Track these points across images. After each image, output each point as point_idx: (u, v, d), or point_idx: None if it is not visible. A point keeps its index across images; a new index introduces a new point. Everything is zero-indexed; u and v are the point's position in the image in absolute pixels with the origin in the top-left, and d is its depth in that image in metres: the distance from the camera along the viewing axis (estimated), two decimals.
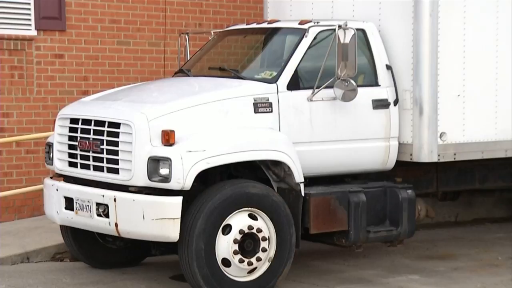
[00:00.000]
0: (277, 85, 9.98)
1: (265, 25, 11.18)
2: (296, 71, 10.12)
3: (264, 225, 9.52)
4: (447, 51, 10.61)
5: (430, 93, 10.53)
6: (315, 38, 10.32)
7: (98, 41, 13.34)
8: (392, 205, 10.47)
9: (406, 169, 10.87)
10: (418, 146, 10.55)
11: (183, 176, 8.96)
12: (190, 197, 9.22)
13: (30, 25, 12.81)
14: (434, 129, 10.55)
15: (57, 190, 10.16)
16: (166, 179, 9.04)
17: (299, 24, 10.58)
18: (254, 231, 9.41)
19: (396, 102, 10.60)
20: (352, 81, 9.86)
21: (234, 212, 9.36)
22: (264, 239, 9.48)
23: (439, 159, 10.64)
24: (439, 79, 10.56)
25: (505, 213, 14.90)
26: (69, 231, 10.62)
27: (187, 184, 9.01)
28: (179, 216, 9.04)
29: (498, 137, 11.09)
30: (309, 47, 10.26)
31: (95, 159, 9.70)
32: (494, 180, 12.06)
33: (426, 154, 10.55)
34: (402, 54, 10.64)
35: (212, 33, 12.02)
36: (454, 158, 10.80)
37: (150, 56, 13.58)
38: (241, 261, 9.34)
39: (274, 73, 10.15)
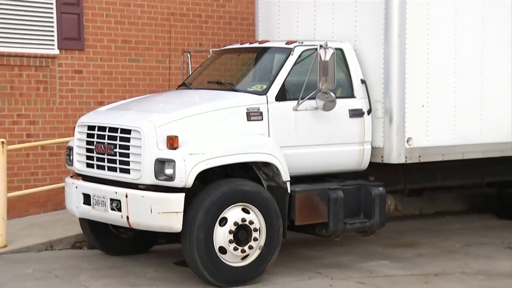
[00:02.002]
0: (267, 96, 9.94)
1: (256, 44, 11.19)
2: (283, 84, 10.08)
3: (255, 218, 9.48)
4: (413, 67, 10.57)
5: (399, 104, 10.49)
6: (299, 56, 10.28)
7: (112, 58, 13.28)
8: (366, 200, 10.45)
9: (378, 169, 10.79)
10: (388, 149, 10.52)
11: (185, 175, 8.94)
12: (191, 194, 9.18)
13: (53, 45, 12.76)
14: (402, 135, 10.52)
15: (76, 187, 10.12)
16: (171, 178, 9.02)
17: (286, 44, 10.57)
18: (246, 223, 9.39)
19: (369, 111, 10.56)
20: (332, 93, 9.87)
21: (230, 207, 9.33)
22: (255, 230, 9.45)
23: (406, 161, 10.60)
24: (406, 92, 10.51)
25: (462, 207, 14.94)
26: (86, 223, 10.59)
27: (189, 182, 8.99)
28: (182, 210, 9.03)
29: (456, 142, 11.06)
30: (294, 64, 10.22)
31: (109, 161, 9.67)
32: (453, 178, 12.03)
33: (395, 156, 10.52)
34: (374, 70, 10.60)
35: (211, 52, 12.01)
36: (419, 160, 10.75)
37: (157, 71, 13.55)
38: (235, 249, 9.31)
39: (264, 86, 10.12)
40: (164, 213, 9.07)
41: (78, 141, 10.20)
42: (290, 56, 10.26)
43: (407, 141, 10.55)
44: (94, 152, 9.89)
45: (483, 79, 11.22)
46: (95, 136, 9.89)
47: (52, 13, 12.75)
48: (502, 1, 11.39)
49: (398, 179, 11.20)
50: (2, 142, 10.72)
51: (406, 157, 10.56)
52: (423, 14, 10.68)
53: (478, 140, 11.28)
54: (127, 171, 9.46)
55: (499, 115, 11.39)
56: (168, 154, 9.09)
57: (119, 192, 9.43)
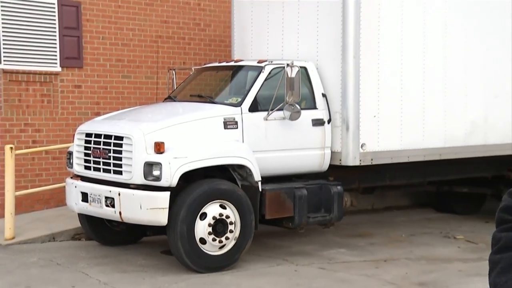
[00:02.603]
0: (241, 108, 9.83)
1: (232, 63, 11.09)
2: (255, 97, 9.99)
3: (231, 213, 9.40)
4: (366, 83, 10.44)
5: (354, 114, 10.36)
6: (269, 73, 10.18)
7: (107, 75, 13.08)
8: (326, 197, 10.32)
9: (337, 171, 10.64)
10: (345, 153, 10.40)
11: (170, 176, 8.93)
12: (175, 192, 9.11)
13: (56, 63, 12.53)
14: (356, 141, 10.39)
15: (75, 187, 9.96)
16: (158, 178, 8.97)
17: (257, 62, 10.48)
18: (223, 217, 9.33)
19: (329, 121, 10.44)
20: (297, 105, 9.81)
21: (209, 203, 9.27)
22: (231, 223, 9.38)
23: (360, 163, 10.48)
24: (360, 104, 10.39)
25: (407, 203, 14.84)
26: (84, 218, 10.39)
27: (174, 182, 8.98)
28: (167, 206, 8.99)
29: (402, 147, 10.93)
30: (265, 80, 10.12)
31: (104, 163, 9.58)
32: (400, 178, 11.96)
33: (351, 159, 10.40)
34: (333, 85, 10.47)
35: (193, 69, 11.90)
36: (371, 162, 10.63)
37: (146, 86, 13.35)
38: (213, 240, 9.23)
39: (239, 99, 10.03)
40: (152, 209, 9.03)
41: (77, 147, 10.06)
42: (261, 73, 10.16)
43: (361, 146, 10.42)
44: (91, 156, 9.78)
45: (424, 93, 11.10)
46: (92, 142, 9.79)
47: (55, 35, 12.52)
48: (440, 33, 11.27)
49: (354, 179, 11.07)
50: (11, 148, 10.63)
51: (360, 160, 10.45)
52: (375, 39, 10.56)
53: (421, 145, 11.15)
54: (120, 173, 9.39)
55: (436, 124, 11.28)
56: (155, 158, 9.03)
57: (113, 191, 9.31)
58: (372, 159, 10.58)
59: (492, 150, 11.87)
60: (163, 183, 8.97)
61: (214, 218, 9.24)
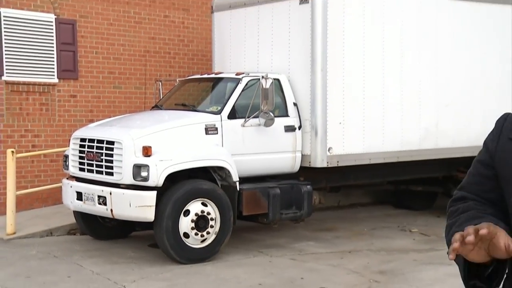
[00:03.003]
0: (221, 115, 9.78)
1: (213, 75, 11.02)
2: (233, 106, 9.93)
3: (212, 210, 9.33)
4: (332, 94, 10.40)
5: (322, 121, 10.31)
6: (246, 84, 10.11)
7: (100, 86, 13.00)
8: (297, 195, 10.25)
9: (306, 172, 10.58)
10: (314, 156, 10.34)
11: (157, 177, 8.89)
12: (162, 191, 9.05)
13: (54, 75, 12.43)
14: (324, 145, 10.33)
15: (71, 187, 9.85)
16: (145, 179, 8.91)
17: (235, 75, 10.41)
18: (205, 214, 9.27)
19: (300, 127, 10.37)
20: (271, 113, 9.78)
21: (192, 201, 9.21)
22: (212, 219, 9.32)
23: (328, 165, 10.42)
24: (328, 112, 10.35)
25: (369, 200, 14.79)
26: (79, 215, 10.28)
27: (160, 182, 8.95)
28: (154, 204, 8.95)
29: (365, 151, 10.88)
30: (242, 90, 10.05)
31: (97, 165, 9.49)
32: (363, 178, 11.89)
33: (319, 161, 10.35)
34: (303, 95, 10.43)
35: (177, 81, 11.80)
36: (337, 164, 10.56)
37: (135, 96, 13.29)
38: (196, 234, 9.18)
39: (219, 108, 9.95)
40: (140, 207, 8.98)
41: (72, 150, 9.97)
42: (239, 84, 10.10)
43: (328, 150, 10.35)
44: (85, 159, 9.69)
45: (383, 103, 11.06)
46: (86, 146, 9.70)
47: (53, 50, 12.41)
48: (397, 51, 11.25)
49: (322, 179, 11.00)
50: (12, 151, 10.54)
51: (327, 162, 10.39)
52: (340, 55, 10.50)
53: (381, 149, 11.11)
54: (111, 174, 9.30)
55: (394, 130, 11.26)
56: (143, 160, 8.98)
57: (105, 190, 9.23)
58: (338, 161, 10.52)
59: (443, 153, 11.87)
60: (150, 183, 8.90)
61: (196, 214, 9.18)
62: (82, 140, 9.78)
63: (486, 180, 2.40)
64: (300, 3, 10.41)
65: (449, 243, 2.23)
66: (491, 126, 2.76)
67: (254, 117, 9.80)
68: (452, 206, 2.49)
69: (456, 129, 11.91)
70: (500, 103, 11.99)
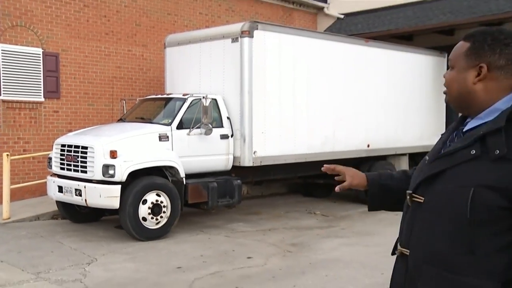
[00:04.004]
0: (171, 127, 9.63)
1: (165, 96, 10.87)
2: (181, 119, 9.77)
3: (164, 199, 9.18)
4: (257, 110, 10.35)
5: (248, 131, 10.24)
6: (190, 102, 9.99)
7: (77, 103, 12.68)
8: (230, 188, 10.16)
9: (237, 169, 10.49)
10: (242, 158, 10.27)
11: (121, 174, 8.76)
12: (125, 185, 8.88)
13: (41, 95, 12.07)
14: (250, 149, 10.26)
15: (53, 182, 9.56)
16: (112, 176, 8.76)
17: (182, 95, 10.29)
18: (159, 202, 9.12)
19: (232, 135, 10.28)
20: (210, 125, 9.71)
21: (148, 193, 9.05)
22: (164, 206, 9.17)
23: (253, 164, 10.36)
24: (253, 124, 10.29)
25: (285, 190, 14.74)
26: (60, 204, 9.99)
27: (124, 178, 8.81)
28: (119, 195, 8.82)
29: (281, 153, 10.85)
30: (188, 107, 9.91)
31: (74, 165, 9.26)
32: (280, 174, 11.72)
33: (247, 162, 10.28)
34: (235, 111, 10.34)
35: (138, 100, 11.61)
36: (260, 164, 10.50)
37: (105, 111, 13.04)
38: (152, 218, 9.04)
39: (170, 120, 9.79)
40: (108, 197, 8.81)
41: (55, 154, 9.68)
42: (185, 103, 9.96)
43: (254, 153, 10.30)
44: (65, 160, 9.43)
45: (295, 118, 11.07)
46: (66, 150, 9.44)
47: (40, 76, 12.04)
48: (304, 81, 11.29)
49: (248, 175, 10.89)
50: (7, 155, 10.29)
51: (253, 162, 10.33)
52: (262, 82, 10.44)
53: (293, 152, 11.10)
54: (85, 172, 9.08)
55: (303, 137, 11.27)
56: (110, 161, 8.82)
57: (80, 185, 9.01)
58: (261, 161, 10.47)
59: (338, 155, 11.92)
60: (116, 179, 8.74)
61: (152, 203, 9.03)
62: (63, 145, 9.53)
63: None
64: (232, 42, 10.35)
65: None
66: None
67: (197, 128, 9.69)
68: None
69: (347, 137, 12.07)
70: (379, 120, 12.32)
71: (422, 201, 2.05)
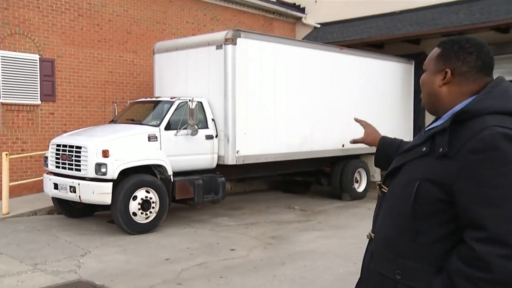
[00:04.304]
0: (159, 128, 9.53)
1: (154, 99, 10.72)
2: (169, 121, 9.68)
3: (153, 196, 9.10)
4: (239, 112, 10.29)
5: (232, 132, 10.19)
6: (178, 105, 9.90)
7: (72, 106, 12.51)
8: (214, 185, 10.10)
9: (221, 168, 10.40)
10: (226, 157, 10.20)
11: (113, 172, 8.67)
12: (116, 182, 8.78)
13: (37, 98, 11.90)
14: (234, 149, 10.20)
15: (49, 179, 9.42)
16: (104, 173, 8.66)
17: (170, 98, 10.21)
18: (148, 198, 9.04)
19: (216, 136, 10.22)
20: (196, 126, 9.65)
21: (138, 189, 8.97)
22: (153, 202, 9.09)
23: (236, 163, 10.29)
24: (236, 126, 10.23)
25: (266, 187, 14.69)
26: (56, 200, 9.87)
27: (115, 176, 8.71)
28: (111, 191, 8.71)
29: (262, 152, 10.81)
30: (175, 110, 9.82)
31: (69, 164, 9.13)
32: (261, 172, 11.71)
33: (230, 160, 10.22)
34: (219, 113, 10.28)
35: (128, 102, 11.46)
36: (243, 162, 10.44)
37: (97, 113, 12.89)
38: (141, 213, 8.96)
39: (158, 122, 9.69)
40: (101, 193, 8.70)
41: (51, 153, 9.55)
42: (173, 105, 9.89)
43: (237, 152, 10.24)
44: (60, 159, 9.29)
45: (275, 120, 11.05)
46: (61, 150, 9.30)
47: (37, 80, 11.86)
48: (284, 85, 11.27)
49: (232, 173, 10.84)
50: (6, 154, 10.15)
51: (236, 161, 10.27)
52: (244, 86, 10.39)
53: (273, 151, 11.06)
54: (79, 170, 8.96)
55: (282, 138, 11.23)
56: (103, 160, 8.72)
57: (75, 182, 8.89)
58: (243, 160, 10.41)
59: (315, 154, 11.95)
60: (108, 176, 8.65)
61: (142, 199, 8.94)
62: (58, 145, 9.39)
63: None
64: (216, 49, 10.30)
65: None
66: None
67: (183, 129, 9.61)
68: None
69: (323, 138, 12.05)
70: (353, 122, 12.27)
71: (386, 191, 2.15)
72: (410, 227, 1.97)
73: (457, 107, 2.01)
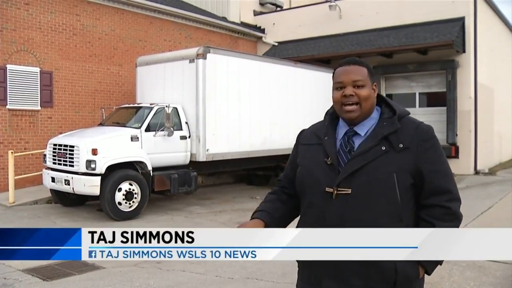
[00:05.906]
0: (141, 130, 9.56)
1: (136, 104, 10.69)
2: (149, 124, 9.70)
3: (135, 188, 9.13)
4: (209, 116, 10.37)
5: (202, 133, 10.24)
6: (156, 110, 9.92)
7: (66, 111, 12.45)
8: (188, 178, 10.13)
9: (194, 164, 10.44)
10: (198, 154, 10.25)
11: (101, 167, 8.67)
12: (104, 176, 8.78)
13: (38, 104, 11.85)
14: (204, 147, 10.27)
15: (48, 174, 9.39)
16: (94, 169, 8.65)
17: (150, 104, 10.21)
18: (131, 190, 9.07)
19: (189, 136, 10.27)
20: (172, 128, 9.72)
21: (123, 182, 8.99)
22: (135, 193, 9.12)
23: (206, 159, 10.36)
24: (206, 128, 10.30)
25: (233, 180, 14.70)
26: (53, 191, 9.84)
27: (103, 171, 8.72)
28: (99, 184, 8.71)
29: (229, 150, 10.92)
30: (154, 114, 9.85)
31: (64, 161, 9.11)
32: (228, 167, 11.72)
33: (201, 157, 10.27)
34: (192, 117, 10.32)
35: (114, 108, 11.41)
36: (212, 159, 10.53)
37: (88, 117, 12.84)
38: (126, 202, 8.99)
39: (140, 124, 9.69)
40: (90, 186, 8.71)
41: (48, 151, 9.51)
42: (152, 110, 9.90)
43: (207, 150, 10.31)
44: (57, 156, 9.26)
45: (240, 123, 11.16)
46: (57, 149, 9.27)
47: (37, 89, 11.81)
48: (247, 93, 11.40)
49: (203, 168, 10.88)
50: (12, 152, 10.21)
51: (206, 158, 10.34)
52: (213, 93, 10.49)
53: (238, 149, 11.19)
54: (72, 166, 8.95)
55: (246, 138, 11.35)
56: (92, 157, 8.73)
57: (69, 176, 8.89)
58: (212, 157, 10.49)
59: (274, 152, 12.04)
60: (97, 171, 8.66)
61: (126, 191, 8.98)
62: (55, 145, 9.38)
63: (290, 172, 2.43)
64: (189, 62, 10.37)
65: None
66: None
67: (161, 130, 9.67)
68: (272, 189, 2.56)
69: (281, 138, 12.15)
70: (304, 125, 12.42)
71: (349, 192, 2.06)
72: (397, 212, 2.05)
73: (374, 114, 2.19)
